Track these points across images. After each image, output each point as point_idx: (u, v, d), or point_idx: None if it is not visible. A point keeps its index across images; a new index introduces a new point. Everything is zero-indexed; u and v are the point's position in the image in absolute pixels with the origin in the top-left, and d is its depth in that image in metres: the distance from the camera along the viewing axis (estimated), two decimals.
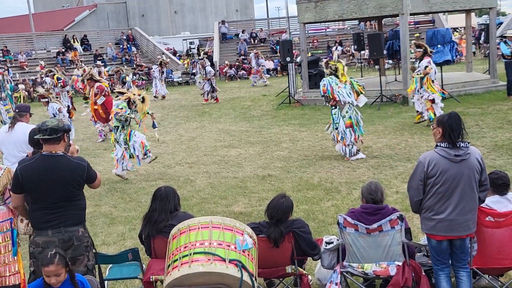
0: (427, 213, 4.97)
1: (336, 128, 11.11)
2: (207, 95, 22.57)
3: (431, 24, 38.09)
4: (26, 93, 28.96)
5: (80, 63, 34.97)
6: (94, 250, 5.20)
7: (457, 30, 37.46)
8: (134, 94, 11.08)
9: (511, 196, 5.32)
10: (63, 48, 37.71)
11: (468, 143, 4.89)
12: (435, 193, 4.89)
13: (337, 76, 11.11)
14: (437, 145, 4.93)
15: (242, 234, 4.64)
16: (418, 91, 13.63)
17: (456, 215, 4.86)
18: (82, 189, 5.02)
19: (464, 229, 4.91)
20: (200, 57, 25.77)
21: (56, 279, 4.34)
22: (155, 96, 25.37)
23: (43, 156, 4.91)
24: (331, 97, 11.00)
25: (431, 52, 14.70)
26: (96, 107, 15.02)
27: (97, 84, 15.33)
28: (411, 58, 16.79)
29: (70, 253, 4.87)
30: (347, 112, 11.05)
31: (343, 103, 11.01)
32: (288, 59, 20.25)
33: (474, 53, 28.39)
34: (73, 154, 5.17)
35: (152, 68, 27.74)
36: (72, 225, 4.91)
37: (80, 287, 4.45)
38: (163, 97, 25.85)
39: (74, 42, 39.27)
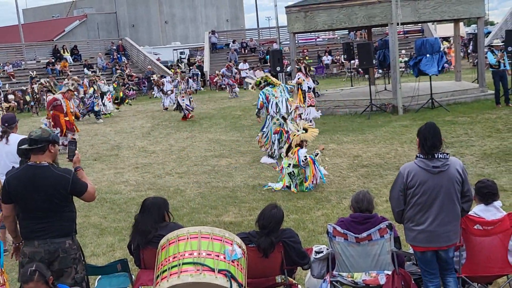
0: (409, 223, 5.01)
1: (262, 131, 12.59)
2: (185, 110, 20.83)
3: (420, 34, 38.42)
4: (16, 103, 28.92)
5: (70, 73, 35.01)
6: (84, 263, 5.17)
7: (447, 39, 37.77)
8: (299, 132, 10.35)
9: (499, 204, 5.35)
10: (53, 58, 37.62)
11: (447, 154, 4.91)
12: (414, 204, 4.92)
13: (271, 85, 12.54)
14: (417, 156, 4.96)
15: (231, 244, 4.63)
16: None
17: (436, 226, 4.88)
18: (70, 200, 4.98)
19: (444, 240, 4.92)
20: (182, 70, 24.61)
21: None
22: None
23: (28, 166, 4.93)
24: (266, 110, 12.49)
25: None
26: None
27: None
28: (400, 68, 16.90)
29: (56, 265, 4.83)
30: (277, 120, 12.29)
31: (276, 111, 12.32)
32: (278, 68, 20.32)
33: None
34: (75, 164, 5.16)
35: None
36: (58, 236, 4.87)
37: None
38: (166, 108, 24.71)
39: (64, 52, 39.18)
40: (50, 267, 4.72)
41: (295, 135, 10.31)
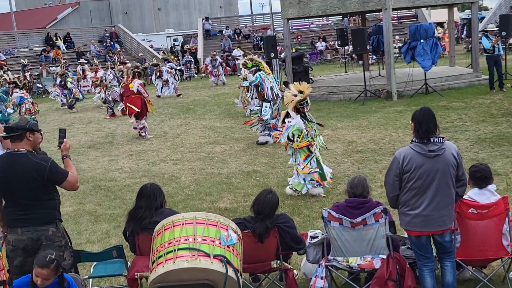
0: (403, 208, 4.99)
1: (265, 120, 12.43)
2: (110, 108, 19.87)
3: (414, 19, 38.33)
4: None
5: (63, 61, 34.79)
6: (71, 250, 5.14)
7: (441, 25, 37.68)
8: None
9: (494, 188, 5.36)
10: (46, 46, 37.35)
11: (443, 138, 4.90)
12: (410, 189, 4.90)
13: (263, 72, 12.60)
14: (412, 141, 4.95)
15: (227, 230, 4.64)
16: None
17: (431, 210, 4.87)
18: (50, 188, 4.92)
19: (439, 224, 4.91)
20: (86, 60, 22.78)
21: (43, 282, 4.33)
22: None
23: (7, 153, 4.95)
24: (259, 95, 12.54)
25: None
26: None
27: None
28: (394, 54, 16.87)
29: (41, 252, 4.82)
30: (278, 105, 12.29)
31: (276, 97, 12.40)
32: (272, 55, 20.25)
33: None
34: (63, 152, 5.12)
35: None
36: (41, 224, 4.84)
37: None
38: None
39: (56, 40, 38.93)
40: (35, 255, 4.69)
41: (292, 100, 8.48)
